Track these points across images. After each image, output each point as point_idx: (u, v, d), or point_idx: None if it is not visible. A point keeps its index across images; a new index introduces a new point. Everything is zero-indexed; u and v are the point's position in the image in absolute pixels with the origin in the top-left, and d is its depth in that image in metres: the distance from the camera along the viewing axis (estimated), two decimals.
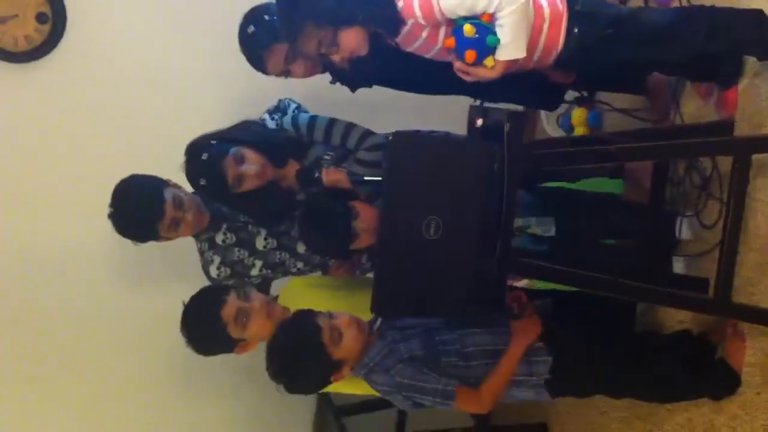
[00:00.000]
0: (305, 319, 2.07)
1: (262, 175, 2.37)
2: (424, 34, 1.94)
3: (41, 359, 3.20)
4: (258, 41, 2.32)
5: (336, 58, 1.98)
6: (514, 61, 1.93)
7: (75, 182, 3.14)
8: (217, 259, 2.56)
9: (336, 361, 2.05)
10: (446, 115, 2.71)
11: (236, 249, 2.56)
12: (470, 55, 1.87)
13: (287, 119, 2.55)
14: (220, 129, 2.41)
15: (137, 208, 2.37)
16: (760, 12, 2.04)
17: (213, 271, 2.56)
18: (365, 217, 2.22)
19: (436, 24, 1.92)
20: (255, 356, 2.20)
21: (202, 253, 2.59)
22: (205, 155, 2.30)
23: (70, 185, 3.14)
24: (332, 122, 2.50)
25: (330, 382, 2.11)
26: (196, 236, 2.57)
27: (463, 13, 1.86)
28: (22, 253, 3.13)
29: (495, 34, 1.85)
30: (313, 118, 2.52)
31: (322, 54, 1.99)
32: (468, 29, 1.84)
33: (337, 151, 2.49)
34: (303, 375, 2.07)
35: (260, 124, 2.55)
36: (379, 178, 2.22)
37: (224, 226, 2.55)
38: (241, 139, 2.37)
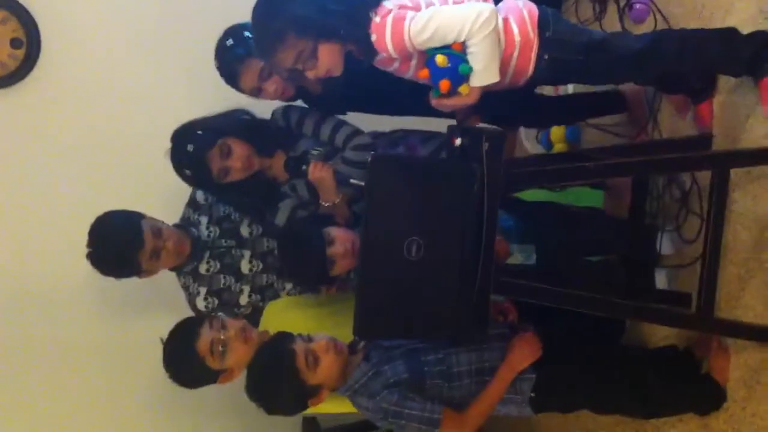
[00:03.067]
0: (281, 343, 2.05)
1: (248, 167, 2.33)
2: (396, 65, 1.94)
3: (28, 389, 3.17)
4: (234, 54, 2.28)
5: (311, 74, 1.94)
6: (488, 85, 1.93)
7: (54, 208, 3.10)
8: (203, 290, 2.51)
9: (311, 387, 2.03)
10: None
11: (222, 276, 2.52)
12: (445, 84, 1.87)
13: (278, 109, 2.50)
14: (207, 116, 2.37)
15: (116, 242, 2.31)
16: (731, 30, 2.05)
17: (200, 304, 2.51)
18: (342, 242, 2.19)
19: (408, 56, 1.91)
20: (238, 379, 2.17)
21: (186, 288, 2.53)
22: (191, 147, 2.26)
23: (49, 211, 3.10)
24: (322, 117, 2.45)
25: (308, 406, 2.09)
26: (177, 272, 2.52)
27: (435, 44, 1.85)
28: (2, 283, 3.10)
29: (467, 62, 1.85)
30: (305, 111, 2.48)
31: (297, 70, 1.93)
32: (440, 59, 1.85)
33: (326, 146, 2.44)
34: (278, 399, 2.06)
35: (249, 112, 2.47)
36: (363, 184, 2.19)
37: (207, 254, 2.51)
38: (228, 130, 2.32)
